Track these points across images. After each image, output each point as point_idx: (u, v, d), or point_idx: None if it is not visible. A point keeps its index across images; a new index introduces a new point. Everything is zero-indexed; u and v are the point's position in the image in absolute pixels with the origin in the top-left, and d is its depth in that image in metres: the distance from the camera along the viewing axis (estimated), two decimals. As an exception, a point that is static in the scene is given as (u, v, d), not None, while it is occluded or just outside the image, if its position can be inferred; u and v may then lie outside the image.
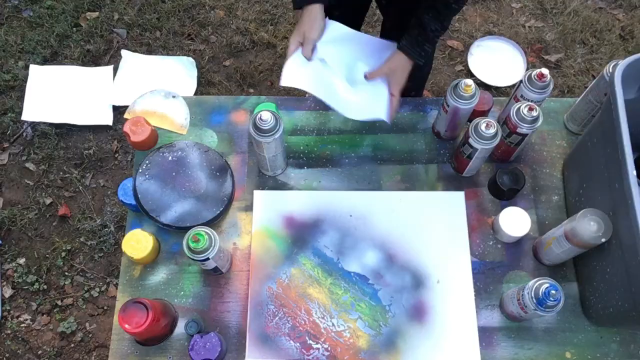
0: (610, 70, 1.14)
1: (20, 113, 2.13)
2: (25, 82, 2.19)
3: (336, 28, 1.25)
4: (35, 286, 1.89)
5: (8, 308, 1.87)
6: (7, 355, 1.82)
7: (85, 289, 1.89)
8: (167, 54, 2.28)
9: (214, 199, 1.23)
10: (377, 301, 1.18)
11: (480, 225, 1.25)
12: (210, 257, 1.06)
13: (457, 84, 1.16)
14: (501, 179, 1.22)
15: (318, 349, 1.14)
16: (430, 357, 1.14)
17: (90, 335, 1.84)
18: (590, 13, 2.39)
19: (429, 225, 1.24)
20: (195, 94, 2.20)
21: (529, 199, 1.27)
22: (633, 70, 1.02)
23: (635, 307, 0.98)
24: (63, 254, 1.93)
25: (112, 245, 1.95)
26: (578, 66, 2.27)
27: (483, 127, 1.13)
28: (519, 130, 1.15)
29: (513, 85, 2.22)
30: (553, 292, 1.00)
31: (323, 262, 1.21)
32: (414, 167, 1.30)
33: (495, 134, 1.13)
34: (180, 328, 1.15)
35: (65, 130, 2.13)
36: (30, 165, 2.08)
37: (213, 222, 1.22)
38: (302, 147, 1.32)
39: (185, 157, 1.26)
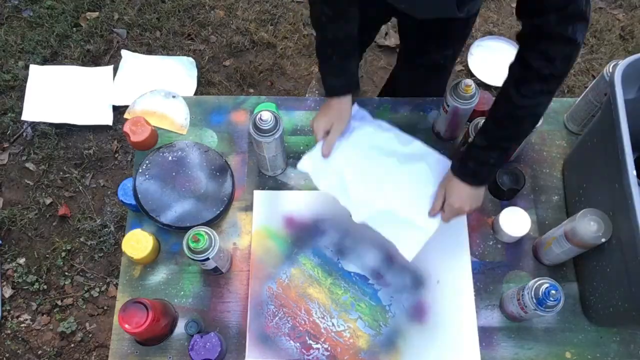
0: (610, 70, 1.14)
1: (20, 113, 2.13)
2: (25, 82, 2.19)
3: (364, 117, 1.21)
4: (35, 286, 1.89)
5: (8, 308, 1.87)
6: (7, 355, 1.82)
7: (85, 289, 1.89)
8: (167, 54, 2.28)
9: (214, 199, 1.23)
10: (377, 301, 1.18)
11: (480, 225, 1.25)
12: (210, 257, 1.06)
13: (457, 84, 1.16)
14: (501, 179, 1.22)
15: (318, 349, 1.14)
16: (430, 357, 1.14)
17: (90, 335, 1.84)
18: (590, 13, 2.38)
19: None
20: (195, 94, 2.19)
21: (529, 199, 1.27)
22: (633, 70, 1.02)
23: (635, 307, 0.98)
24: (63, 254, 1.93)
25: (112, 245, 1.95)
26: (578, 66, 2.27)
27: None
28: (519, 130, 1.15)
29: (513, 85, 2.21)
30: (553, 292, 1.00)
31: (323, 262, 1.21)
32: (414, 167, 1.30)
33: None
34: (180, 328, 1.15)
35: (65, 130, 2.13)
36: (30, 165, 2.08)
37: (213, 222, 1.22)
38: (302, 147, 1.32)
39: (185, 157, 1.26)
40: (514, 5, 2.43)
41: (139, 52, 2.28)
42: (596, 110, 1.24)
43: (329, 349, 1.14)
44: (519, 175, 1.23)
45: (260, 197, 1.27)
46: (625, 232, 0.97)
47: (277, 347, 1.14)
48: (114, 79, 2.23)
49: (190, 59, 2.25)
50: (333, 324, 1.16)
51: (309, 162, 1.17)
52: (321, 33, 1.12)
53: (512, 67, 0.98)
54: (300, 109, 1.37)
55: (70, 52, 2.26)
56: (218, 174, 1.25)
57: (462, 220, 1.24)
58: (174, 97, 1.38)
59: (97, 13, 2.35)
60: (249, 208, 1.26)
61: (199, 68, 2.24)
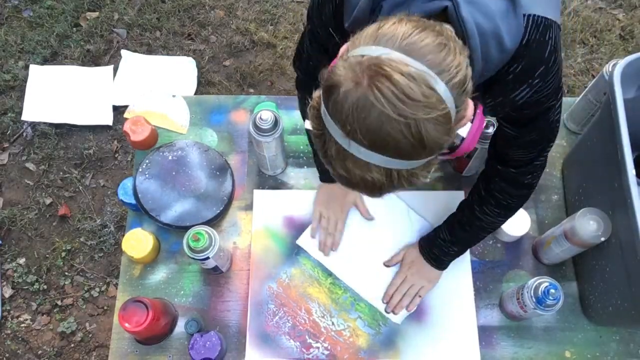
0: (610, 70, 1.14)
1: (20, 113, 2.13)
2: (25, 82, 2.19)
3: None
4: (35, 286, 1.89)
5: (8, 308, 1.87)
6: (7, 355, 1.82)
7: (85, 289, 1.89)
8: (167, 54, 2.28)
9: (213, 199, 1.23)
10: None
11: (480, 225, 1.25)
12: (210, 256, 1.07)
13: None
14: (501, 178, 1.22)
15: (318, 348, 1.14)
16: (430, 356, 1.14)
17: (90, 335, 1.84)
18: (590, 13, 2.39)
19: (429, 225, 1.24)
20: (195, 93, 2.19)
21: (529, 199, 1.27)
22: (632, 69, 1.02)
23: (634, 306, 0.98)
24: (63, 254, 1.93)
25: (112, 245, 1.95)
26: (578, 66, 2.27)
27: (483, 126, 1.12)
28: (518, 129, 1.15)
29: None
30: (552, 291, 1.00)
31: (322, 263, 1.21)
32: (413, 167, 1.30)
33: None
34: (180, 327, 1.15)
35: (65, 130, 2.13)
36: (30, 165, 2.08)
37: (213, 222, 1.23)
38: (302, 147, 1.32)
39: (185, 157, 1.26)
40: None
41: (139, 52, 2.28)
42: (596, 109, 1.24)
43: (329, 348, 1.14)
44: (518, 175, 1.23)
45: (260, 196, 1.27)
46: (624, 231, 0.97)
47: (277, 346, 1.14)
48: (114, 79, 2.23)
49: (190, 59, 2.25)
50: (333, 323, 1.16)
51: (308, 240, 1.22)
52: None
53: (478, 183, 1.04)
54: (300, 108, 1.37)
55: (70, 52, 2.27)
56: (218, 173, 1.25)
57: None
58: (174, 97, 1.38)
59: (97, 13, 2.35)
60: (249, 207, 1.26)
61: (199, 68, 2.24)
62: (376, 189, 0.62)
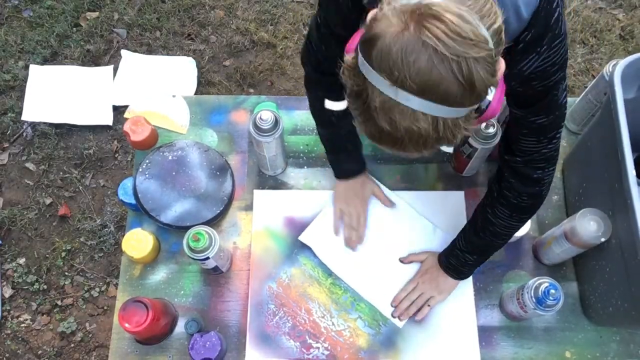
0: (610, 70, 1.14)
1: (20, 113, 2.13)
2: (25, 82, 2.19)
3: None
4: (35, 286, 1.89)
5: (8, 308, 1.87)
6: (7, 355, 1.81)
7: (85, 289, 1.89)
8: (167, 54, 2.28)
9: (213, 199, 1.23)
10: (377, 301, 1.18)
11: (480, 225, 1.25)
12: (210, 257, 1.06)
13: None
14: (501, 178, 1.22)
15: (318, 348, 1.14)
16: (430, 356, 1.14)
17: (90, 335, 1.84)
18: (590, 13, 2.39)
19: (429, 225, 1.24)
20: (195, 93, 2.19)
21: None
22: (633, 69, 1.02)
23: (634, 307, 0.98)
24: (63, 254, 1.93)
25: (112, 245, 1.95)
26: (578, 66, 2.27)
27: (483, 127, 1.13)
28: (518, 129, 1.15)
29: (513, 85, 2.21)
30: (553, 291, 1.00)
31: (323, 262, 1.21)
32: (413, 167, 1.30)
33: (495, 133, 1.13)
34: (180, 327, 1.15)
35: (65, 130, 2.13)
36: (30, 165, 2.08)
37: (213, 222, 1.23)
38: (302, 147, 1.32)
39: (185, 157, 1.26)
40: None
41: (139, 52, 2.28)
42: (596, 110, 1.24)
43: (329, 348, 1.14)
44: (518, 175, 1.23)
45: (260, 196, 1.27)
46: (624, 231, 0.97)
47: (277, 346, 1.14)
48: (114, 79, 2.23)
49: (190, 59, 2.25)
50: (333, 324, 1.16)
51: (311, 236, 1.21)
52: (333, 129, 1.17)
53: (492, 186, 1.03)
54: (300, 109, 1.37)
55: (70, 52, 2.26)
56: (218, 173, 1.25)
57: (462, 221, 1.24)
58: (174, 97, 1.38)
59: (97, 13, 2.35)
60: (249, 208, 1.26)
61: (199, 68, 2.24)
62: (421, 141, 0.61)
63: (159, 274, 1.20)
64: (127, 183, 1.23)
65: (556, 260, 1.18)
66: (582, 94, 1.27)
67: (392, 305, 1.17)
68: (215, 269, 1.15)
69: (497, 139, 1.14)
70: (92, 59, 2.27)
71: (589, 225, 1.03)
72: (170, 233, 1.23)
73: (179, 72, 2.22)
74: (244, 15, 2.36)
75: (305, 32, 2.32)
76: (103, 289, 1.90)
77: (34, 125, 2.13)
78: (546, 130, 0.88)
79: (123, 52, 2.26)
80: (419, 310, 1.15)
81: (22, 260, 1.94)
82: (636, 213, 0.90)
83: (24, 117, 2.12)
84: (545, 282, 1.01)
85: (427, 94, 0.57)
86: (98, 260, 1.94)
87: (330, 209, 1.23)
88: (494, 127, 1.12)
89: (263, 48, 2.31)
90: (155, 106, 1.37)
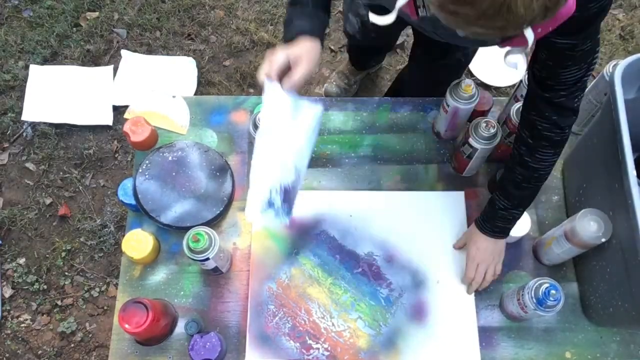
0: (610, 70, 1.14)
1: (20, 113, 2.13)
2: (25, 82, 2.19)
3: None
4: (35, 286, 1.89)
5: (8, 308, 1.87)
6: (7, 355, 1.81)
7: (85, 289, 1.89)
8: (167, 54, 2.28)
9: (213, 199, 1.23)
10: (377, 301, 1.18)
11: (480, 225, 1.25)
12: (210, 257, 1.06)
13: (457, 84, 1.16)
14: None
15: (318, 349, 1.14)
16: (430, 357, 1.14)
17: (90, 335, 1.84)
18: (590, 13, 2.38)
19: (429, 225, 1.24)
20: (195, 94, 2.19)
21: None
22: (633, 70, 1.02)
23: (635, 307, 0.98)
24: (63, 254, 1.93)
25: (112, 245, 1.95)
26: (578, 66, 2.27)
27: (483, 127, 1.13)
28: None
29: (513, 85, 2.22)
30: (553, 292, 1.00)
31: (323, 262, 1.21)
32: (413, 167, 1.30)
33: (495, 134, 1.13)
34: (180, 328, 1.15)
35: (65, 130, 2.13)
36: (30, 165, 2.07)
37: (213, 222, 1.22)
38: (302, 147, 1.32)
39: (185, 157, 1.26)
40: (514, 5, 2.44)
41: (139, 52, 2.28)
42: (596, 110, 1.24)
43: (329, 348, 1.14)
44: (519, 175, 1.23)
45: (260, 197, 1.26)
46: (625, 232, 0.97)
47: (277, 347, 1.14)
48: (114, 79, 2.23)
49: (191, 59, 2.25)
50: (333, 324, 1.16)
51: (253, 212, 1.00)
52: None
53: (520, 137, 1.04)
54: (300, 109, 1.37)
55: (70, 52, 2.26)
56: (218, 173, 1.25)
57: (462, 221, 1.24)
58: (174, 97, 1.37)
59: (97, 13, 2.35)
60: (249, 208, 1.26)
61: (199, 68, 2.24)
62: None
63: (159, 275, 1.20)
64: (127, 183, 1.23)
65: (556, 261, 1.18)
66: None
67: (465, 285, 1.19)
68: (215, 269, 1.14)
69: (497, 140, 1.14)
70: (92, 59, 2.27)
71: (589, 226, 1.03)
72: (170, 234, 1.23)
73: (179, 72, 2.22)
74: (244, 15, 2.36)
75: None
76: (103, 289, 1.90)
77: (34, 125, 2.13)
78: (589, 55, 0.91)
79: (123, 52, 2.26)
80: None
81: (22, 260, 1.94)
82: (637, 213, 0.90)
83: (24, 117, 2.12)
84: (545, 282, 1.01)
85: None
86: (98, 260, 1.94)
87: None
88: (494, 127, 1.12)
89: (263, 48, 2.30)
90: (155, 106, 1.37)
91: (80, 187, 2.04)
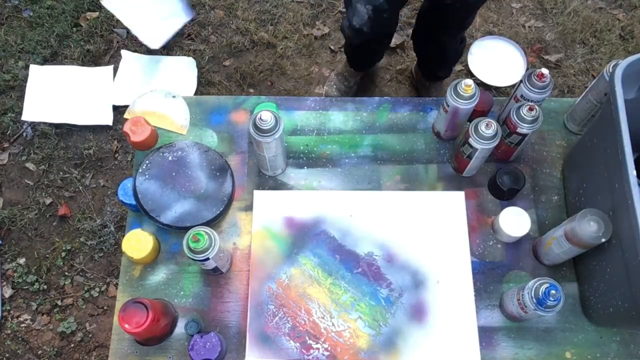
0: (610, 70, 1.14)
1: (20, 113, 2.13)
2: (25, 82, 2.19)
3: None
4: (35, 286, 1.89)
5: (8, 308, 1.87)
6: (7, 355, 1.82)
7: (85, 289, 1.89)
8: (167, 54, 2.28)
9: (213, 199, 1.23)
10: (377, 301, 1.18)
11: (480, 225, 1.25)
12: (210, 257, 1.06)
13: (457, 84, 1.16)
14: (501, 179, 1.22)
15: (318, 349, 1.14)
16: (430, 357, 1.14)
17: (90, 335, 1.84)
18: (590, 13, 2.39)
19: (429, 225, 1.24)
20: (195, 94, 2.19)
21: (529, 199, 1.27)
22: (633, 70, 1.02)
23: (635, 307, 0.98)
24: (63, 254, 1.93)
25: (112, 245, 1.95)
26: (578, 66, 2.27)
27: (483, 127, 1.13)
28: (519, 130, 1.15)
29: (513, 85, 2.22)
30: (553, 292, 1.00)
31: (323, 262, 1.21)
32: (413, 167, 1.30)
33: (495, 134, 1.13)
34: (180, 328, 1.15)
35: (65, 130, 2.13)
36: (30, 165, 2.08)
37: (213, 222, 1.22)
38: (302, 147, 1.32)
39: (185, 157, 1.26)
40: (514, 5, 2.45)
41: (139, 52, 2.28)
42: (596, 110, 1.24)
43: (329, 349, 1.14)
44: (519, 175, 1.23)
45: (260, 197, 1.27)
46: (625, 232, 0.97)
47: (277, 347, 1.14)
48: (114, 79, 2.23)
49: (191, 58, 2.25)
50: (333, 324, 1.16)
51: None
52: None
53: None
54: (300, 109, 1.37)
55: (70, 52, 2.26)
56: (218, 173, 1.25)
57: (462, 221, 1.24)
58: (174, 97, 1.38)
59: (97, 13, 2.35)
60: (249, 208, 1.26)
61: (199, 68, 2.24)
62: None
63: (159, 275, 1.20)
64: (127, 183, 1.23)
65: (556, 261, 1.18)
66: (583, 95, 1.27)
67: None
68: (215, 269, 1.14)
69: (497, 140, 1.14)
70: (92, 59, 2.27)
71: (589, 226, 1.03)
72: (170, 234, 1.23)
73: (179, 72, 2.22)
74: (244, 15, 2.36)
75: (305, 32, 2.32)
76: (103, 289, 1.90)
77: (34, 125, 2.13)
78: None
79: (123, 52, 2.26)
80: None
81: (22, 260, 1.94)
82: (637, 213, 0.90)
83: (24, 117, 2.12)
84: (545, 282, 1.01)
85: None
86: (98, 260, 1.94)
87: None
88: (494, 127, 1.12)
89: (263, 48, 2.31)
90: (155, 106, 1.37)
91: (80, 187, 2.04)
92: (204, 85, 2.23)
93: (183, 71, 2.22)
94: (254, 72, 2.25)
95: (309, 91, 2.23)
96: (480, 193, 1.28)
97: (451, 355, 1.14)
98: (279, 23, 2.35)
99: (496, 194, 1.27)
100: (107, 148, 2.12)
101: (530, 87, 1.17)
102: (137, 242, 1.15)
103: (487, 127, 1.12)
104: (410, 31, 2.35)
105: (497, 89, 2.25)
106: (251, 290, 1.18)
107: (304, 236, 1.23)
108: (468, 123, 1.22)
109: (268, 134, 1.12)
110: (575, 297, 1.18)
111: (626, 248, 0.98)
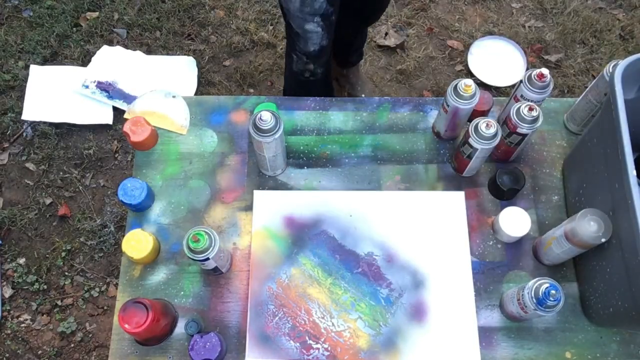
0: (610, 70, 1.14)
1: (20, 113, 2.13)
2: (25, 82, 2.19)
3: None
4: (35, 286, 1.89)
5: (8, 308, 1.87)
6: (7, 355, 1.82)
7: (85, 289, 1.89)
8: (167, 54, 2.28)
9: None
10: (377, 301, 1.18)
11: (480, 225, 1.25)
12: (210, 257, 1.06)
13: (457, 84, 1.16)
14: (501, 179, 1.22)
15: (318, 349, 1.14)
16: (430, 357, 1.14)
17: (90, 335, 1.84)
18: (590, 13, 2.39)
19: (429, 225, 1.24)
20: (195, 94, 2.20)
21: (529, 199, 1.27)
22: (633, 70, 1.02)
23: (635, 307, 0.98)
24: (63, 254, 1.93)
25: (112, 245, 1.95)
26: (578, 66, 2.27)
27: (483, 127, 1.13)
28: (519, 130, 1.15)
29: (513, 85, 2.22)
30: (553, 292, 1.00)
31: (323, 262, 1.21)
32: (413, 167, 1.30)
33: (495, 134, 1.13)
34: (180, 328, 1.15)
35: (65, 130, 2.13)
36: (30, 165, 2.08)
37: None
38: (302, 147, 1.32)
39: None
40: (514, 5, 2.45)
41: (140, 52, 2.28)
42: (596, 110, 1.24)
43: (329, 349, 1.14)
44: (519, 175, 1.23)
45: (260, 197, 1.27)
46: (625, 232, 0.97)
47: (277, 347, 1.14)
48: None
49: (191, 58, 2.25)
50: (333, 324, 1.16)
51: None
52: None
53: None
54: (300, 109, 1.37)
55: (70, 52, 2.27)
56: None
57: (462, 221, 1.24)
58: (174, 97, 1.38)
59: (97, 13, 2.35)
60: (249, 208, 1.26)
61: (199, 68, 2.24)
62: None
63: (159, 275, 1.20)
64: (127, 183, 1.23)
65: (556, 261, 1.18)
66: (583, 95, 1.27)
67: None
68: (215, 269, 1.14)
69: (497, 139, 1.14)
70: (92, 59, 2.27)
71: (589, 226, 1.03)
72: (170, 233, 1.23)
73: (179, 72, 2.22)
74: (244, 15, 2.36)
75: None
76: (103, 289, 1.90)
77: (34, 125, 2.13)
78: None
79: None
80: None
81: (22, 260, 1.94)
82: (637, 213, 0.90)
83: (24, 117, 2.12)
84: (545, 282, 1.01)
85: None
86: (98, 260, 1.94)
87: None
88: (494, 127, 1.12)
89: (263, 48, 2.31)
90: (155, 106, 1.37)
91: (80, 187, 2.04)
92: (204, 85, 2.23)
93: (183, 71, 2.22)
94: (254, 72, 2.25)
95: (308, 91, 2.23)
96: (480, 193, 1.28)
97: (451, 355, 1.14)
98: (279, 23, 2.35)
99: (496, 194, 1.27)
100: (107, 148, 2.12)
101: (530, 87, 1.17)
102: (137, 242, 1.15)
103: (487, 127, 1.12)
104: (410, 31, 2.35)
105: (497, 89, 2.25)
106: (251, 290, 1.18)
107: (304, 236, 1.23)
108: (468, 123, 1.22)
109: (268, 134, 1.12)
110: (575, 297, 1.18)
111: (626, 248, 0.98)
